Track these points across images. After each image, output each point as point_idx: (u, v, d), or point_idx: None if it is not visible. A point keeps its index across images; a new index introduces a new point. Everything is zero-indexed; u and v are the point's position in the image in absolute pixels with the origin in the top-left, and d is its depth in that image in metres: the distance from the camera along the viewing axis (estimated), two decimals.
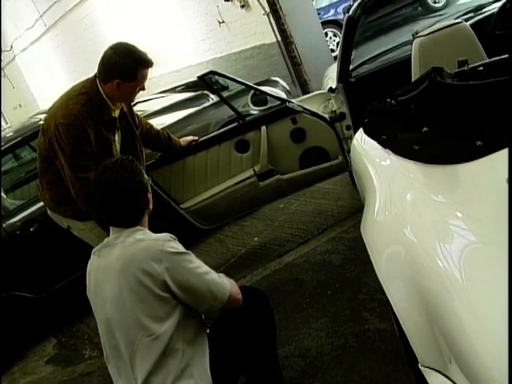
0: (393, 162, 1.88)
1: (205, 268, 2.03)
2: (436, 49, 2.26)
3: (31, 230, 3.99)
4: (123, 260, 1.97)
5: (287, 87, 5.18)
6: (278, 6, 7.40)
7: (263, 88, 3.72)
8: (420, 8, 10.49)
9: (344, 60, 3.15)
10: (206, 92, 5.73)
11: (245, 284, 3.58)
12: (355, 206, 4.04)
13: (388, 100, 2.22)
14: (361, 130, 2.33)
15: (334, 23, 10.01)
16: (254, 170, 3.55)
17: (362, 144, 2.27)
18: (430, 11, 10.34)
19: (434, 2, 10.39)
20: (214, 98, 5.49)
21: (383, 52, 3.57)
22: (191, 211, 3.58)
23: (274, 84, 4.98)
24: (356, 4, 2.84)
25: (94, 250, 2.16)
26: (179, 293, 1.94)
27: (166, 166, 3.48)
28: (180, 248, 2.00)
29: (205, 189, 3.58)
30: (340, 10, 10.16)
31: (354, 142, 2.37)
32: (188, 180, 3.55)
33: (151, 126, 3.33)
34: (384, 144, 1.99)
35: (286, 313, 3.14)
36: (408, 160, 1.78)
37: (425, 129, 1.89)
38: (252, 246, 4.21)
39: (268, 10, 7.52)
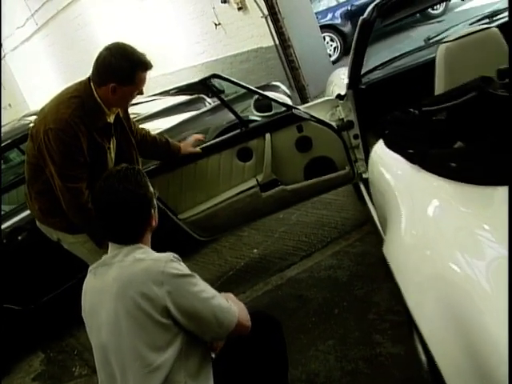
0: (423, 180, 1.69)
1: (211, 292, 1.84)
2: (463, 55, 2.08)
3: (19, 238, 3.77)
4: (121, 281, 1.78)
5: (288, 92, 5.00)
6: (276, 9, 7.24)
7: (267, 93, 3.52)
8: (418, 15, 10.38)
9: (356, 65, 2.97)
10: (202, 96, 5.55)
11: (245, 300, 3.39)
12: (359, 218, 3.87)
13: (411, 110, 2.04)
14: (380, 142, 2.14)
15: (332, 28, 9.85)
16: (257, 180, 3.36)
17: (383, 157, 2.09)
18: (428, 18, 10.24)
19: (432, 9, 10.27)
20: (210, 102, 5.32)
21: (394, 58, 3.39)
22: (189, 222, 3.38)
23: (275, 89, 4.80)
24: (371, 6, 2.65)
25: (90, 268, 1.97)
26: (182, 319, 1.75)
27: (164, 174, 3.27)
28: (184, 269, 1.81)
29: (204, 199, 3.39)
30: (338, 14, 10.01)
31: (373, 154, 2.19)
32: (186, 189, 3.35)
33: (147, 133, 3.11)
34: (411, 159, 1.80)
35: (291, 333, 2.92)
36: (443, 178, 1.60)
37: (458, 143, 1.71)
38: (251, 258, 4.00)
39: (266, 12, 7.35)
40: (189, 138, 3.34)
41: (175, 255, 1.83)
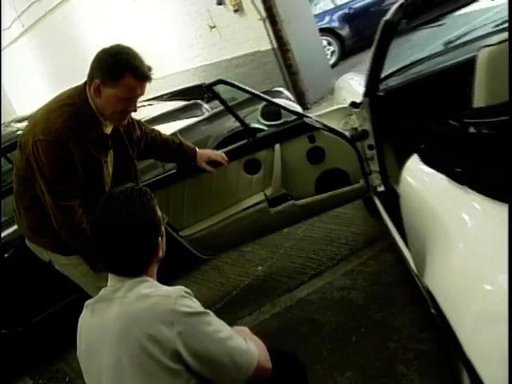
0: (477, 204, 1.48)
1: (227, 331, 1.61)
2: (508, 61, 1.88)
3: (6, 256, 3.51)
4: (123, 321, 1.55)
5: (292, 99, 4.78)
6: (274, 11, 7.05)
7: (276, 100, 3.31)
8: None
9: (374, 71, 2.76)
10: (198, 101, 5.32)
11: (252, 323, 3.17)
12: (371, 234, 3.67)
13: (450, 122, 1.83)
14: (415, 157, 1.93)
15: (329, 31, 9.67)
16: (265, 195, 3.16)
17: (420, 175, 1.87)
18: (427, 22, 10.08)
19: None
20: (208, 109, 5.09)
21: (413, 63, 3.19)
22: (192, 240, 3.15)
23: (278, 95, 4.58)
24: (395, 6, 2.45)
25: (86, 303, 1.73)
26: (195, 364, 1.52)
27: (164, 187, 3.05)
28: (197, 307, 1.58)
29: (208, 214, 3.17)
30: (335, 17, 9.83)
31: (406, 172, 1.97)
32: (189, 204, 3.13)
33: (158, 134, 2.86)
34: (459, 179, 1.59)
35: (305, 361, 2.69)
36: (503, 204, 1.38)
37: None
38: (256, 276, 3.78)
39: (264, 14, 7.15)
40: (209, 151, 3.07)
41: (186, 290, 1.60)
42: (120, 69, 2.21)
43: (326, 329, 2.95)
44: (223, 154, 3.00)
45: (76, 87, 2.41)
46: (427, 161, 1.83)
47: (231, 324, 3.14)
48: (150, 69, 2.29)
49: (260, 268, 3.85)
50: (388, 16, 2.47)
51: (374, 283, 3.15)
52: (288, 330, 3.06)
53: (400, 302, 2.90)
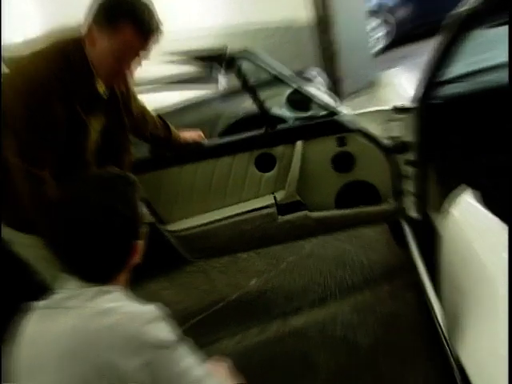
0: None
1: (200, 369, 1.49)
2: None
3: None
4: (77, 340, 1.41)
5: (328, 85, 4.63)
6: None
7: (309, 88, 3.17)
8: None
9: (434, 73, 2.59)
10: (216, 70, 5.18)
11: (235, 347, 3.09)
12: (392, 264, 3.58)
13: None
14: (469, 192, 1.78)
15: (380, 13, 9.40)
16: (275, 198, 3.04)
17: (474, 217, 1.73)
18: None
19: None
20: (224, 84, 4.96)
21: (479, 70, 3.03)
22: (179, 237, 3.04)
23: (311, 79, 4.44)
24: None
25: (33, 306, 1.58)
26: None
27: (157, 170, 2.94)
28: (169, 335, 1.45)
29: (204, 210, 3.07)
30: None
31: (456, 208, 1.82)
32: (183, 194, 3.03)
33: (146, 110, 2.79)
34: None
35: None
36: None
37: None
38: (247, 290, 3.66)
39: None
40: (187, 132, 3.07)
41: (159, 310, 1.46)
42: (119, 14, 2.07)
43: (321, 371, 2.84)
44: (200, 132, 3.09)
45: (73, 30, 2.26)
46: (485, 201, 1.69)
47: (209, 345, 3.07)
48: (159, 24, 2.14)
49: (254, 281, 3.75)
50: (469, 6, 2.28)
51: (388, 327, 3.04)
52: (275, 366, 2.94)
53: (414, 354, 2.79)
